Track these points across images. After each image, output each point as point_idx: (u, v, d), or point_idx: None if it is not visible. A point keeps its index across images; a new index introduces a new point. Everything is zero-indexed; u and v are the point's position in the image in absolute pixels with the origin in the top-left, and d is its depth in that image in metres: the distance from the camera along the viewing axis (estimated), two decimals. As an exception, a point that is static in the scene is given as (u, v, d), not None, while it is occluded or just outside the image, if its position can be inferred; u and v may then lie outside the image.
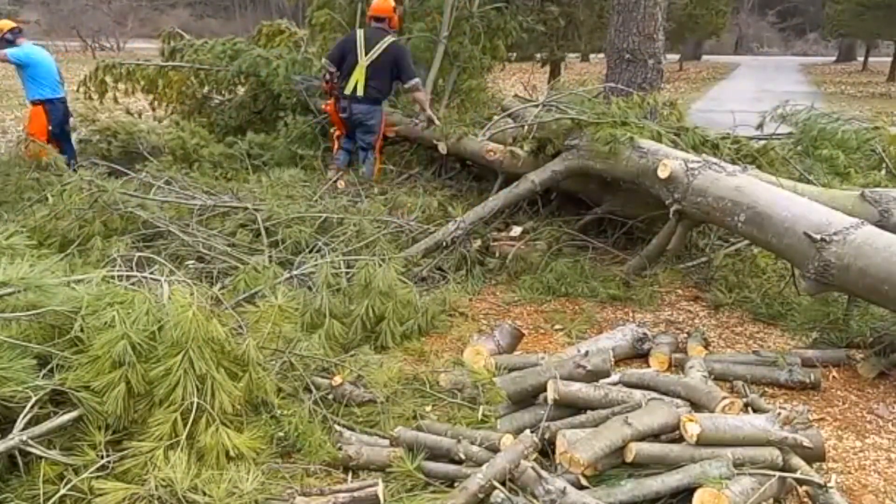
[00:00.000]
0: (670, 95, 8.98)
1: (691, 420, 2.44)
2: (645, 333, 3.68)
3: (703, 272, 4.78)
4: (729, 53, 42.21)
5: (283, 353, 3.03)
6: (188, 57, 8.03)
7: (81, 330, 2.47)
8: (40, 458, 2.27)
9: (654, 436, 2.50)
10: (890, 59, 25.81)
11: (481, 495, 2.28)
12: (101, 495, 2.21)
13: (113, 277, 2.80)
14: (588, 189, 5.19)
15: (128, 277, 2.84)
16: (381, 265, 3.81)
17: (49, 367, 2.42)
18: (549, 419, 2.67)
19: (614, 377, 3.04)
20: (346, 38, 6.35)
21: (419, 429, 2.75)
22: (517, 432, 2.59)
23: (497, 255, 4.90)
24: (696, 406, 2.77)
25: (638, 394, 2.79)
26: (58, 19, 33.43)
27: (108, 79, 7.97)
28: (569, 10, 12.71)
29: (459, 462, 2.55)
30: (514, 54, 11.35)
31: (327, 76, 6.18)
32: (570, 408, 2.75)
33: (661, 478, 2.34)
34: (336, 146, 6.48)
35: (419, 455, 2.55)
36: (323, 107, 6.53)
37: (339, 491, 2.39)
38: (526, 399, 2.92)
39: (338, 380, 2.99)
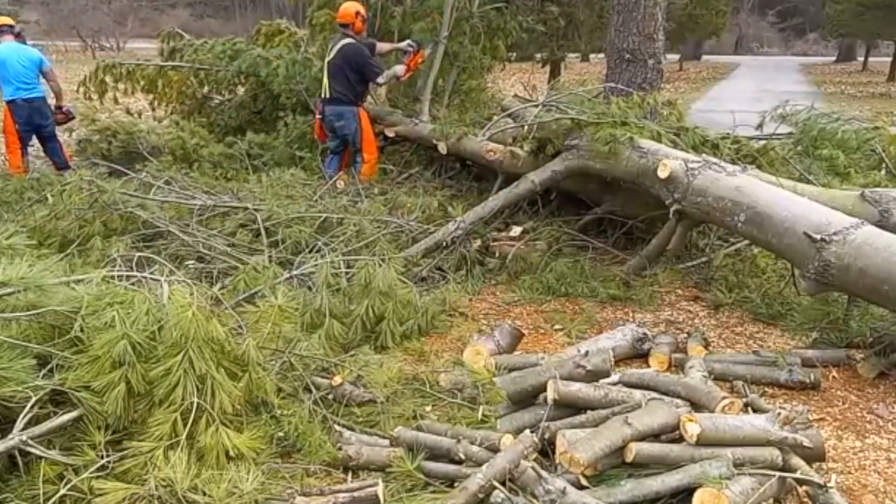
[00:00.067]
0: (670, 95, 8.98)
1: (691, 420, 2.44)
2: (645, 333, 3.68)
3: (703, 272, 4.78)
4: (729, 53, 42.20)
5: (283, 353, 3.03)
6: (188, 57, 8.04)
7: (81, 330, 2.47)
8: (40, 458, 2.27)
9: (654, 436, 2.50)
10: (890, 59, 25.79)
11: (481, 495, 2.28)
12: (101, 495, 2.22)
13: (113, 277, 2.80)
14: (588, 189, 5.19)
15: (128, 277, 2.84)
16: (381, 265, 3.81)
17: (49, 367, 2.43)
18: (549, 419, 2.68)
19: (614, 377, 3.04)
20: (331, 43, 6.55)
21: (419, 429, 2.75)
22: (517, 432, 2.59)
23: (497, 255, 4.90)
24: (696, 406, 2.77)
25: (638, 394, 2.79)
26: (58, 19, 33.41)
27: (108, 79, 7.98)
28: (569, 10, 12.69)
29: (459, 462, 2.55)
30: (514, 54, 11.35)
31: None
32: (570, 408, 2.75)
33: (661, 478, 2.34)
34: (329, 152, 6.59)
35: (419, 455, 2.56)
36: None
37: (339, 491, 2.39)
38: (526, 399, 2.92)
39: (338, 380, 2.99)
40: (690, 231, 4.65)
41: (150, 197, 4.92)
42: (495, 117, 6.22)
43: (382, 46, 6.57)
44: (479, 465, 2.41)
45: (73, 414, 2.36)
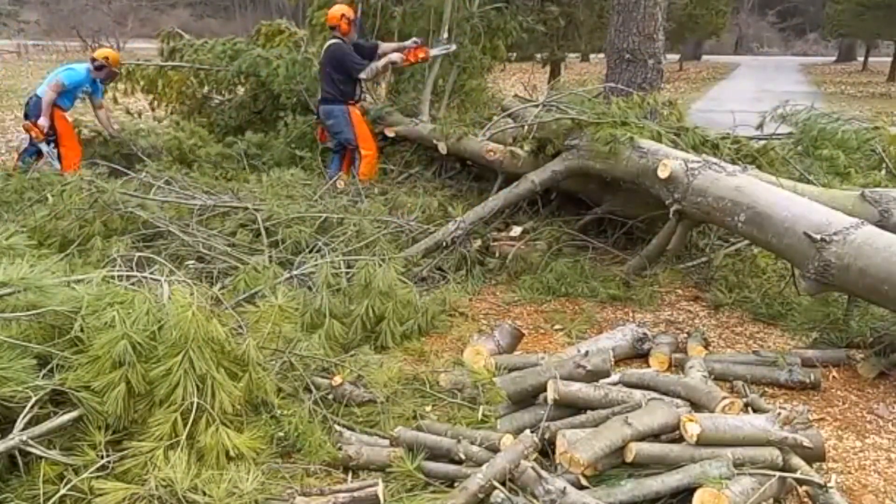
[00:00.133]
0: (670, 95, 8.96)
1: (691, 420, 2.44)
2: (645, 333, 3.68)
3: (703, 272, 4.78)
4: (729, 53, 42.19)
5: (283, 353, 3.03)
6: (188, 57, 8.03)
7: (81, 330, 2.47)
8: (40, 458, 2.27)
9: (654, 436, 2.50)
10: (890, 59, 25.80)
11: (481, 495, 2.28)
12: (101, 495, 2.22)
13: (113, 277, 2.79)
14: (588, 189, 5.19)
15: (128, 277, 2.84)
16: (381, 265, 3.81)
17: (49, 367, 2.42)
18: (549, 419, 2.67)
19: (614, 377, 3.04)
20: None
21: (419, 429, 2.75)
22: (517, 432, 2.59)
23: (497, 255, 4.90)
24: (696, 406, 2.77)
25: (638, 394, 2.79)
26: (58, 19, 33.41)
27: (108, 79, 7.95)
28: (569, 10, 12.70)
29: (459, 462, 2.55)
30: (514, 54, 11.35)
31: None
32: (570, 408, 2.75)
33: (661, 478, 2.34)
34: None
35: (419, 455, 2.55)
36: None
37: (339, 491, 2.39)
38: (526, 399, 2.92)
39: (338, 380, 2.99)
40: (690, 231, 4.65)
41: (150, 197, 4.92)
42: (495, 117, 6.22)
43: (386, 47, 6.59)
44: (479, 465, 2.41)
45: (73, 414, 2.36)
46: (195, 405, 2.41)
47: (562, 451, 2.37)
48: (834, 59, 35.17)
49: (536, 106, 5.73)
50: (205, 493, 2.24)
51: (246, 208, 4.86)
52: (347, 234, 4.63)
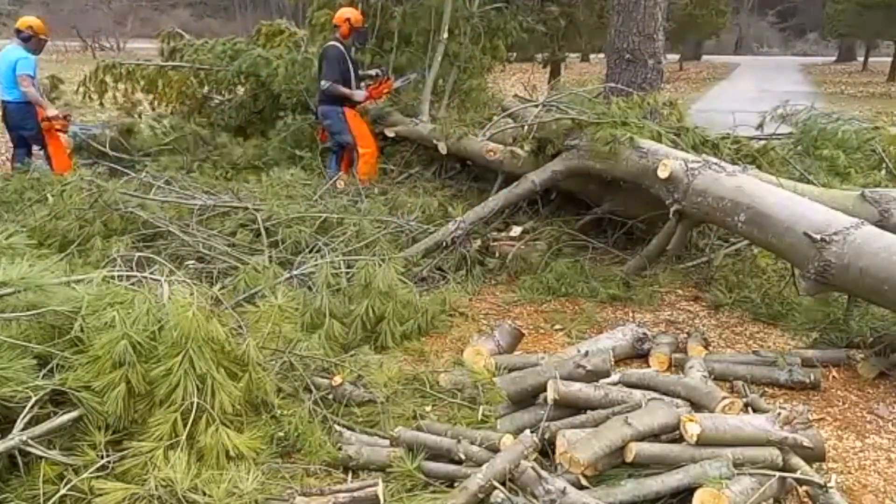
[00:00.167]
0: (670, 95, 8.96)
1: (691, 420, 2.44)
2: (645, 333, 3.68)
3: (703, 272, 4.78)
4: (729, 53, 42.16)
5: (283, 353, 3.03)
6: (188, 57, 8.04)
7: (81, 330, 2.47)
8: (40, 458, 2.27)
9: (654, 436, 2.50)
10: (890, 59, 25.76)
11: (481, 495, 2.28)
12: (101, 495, 2.22)
13: (113, 277, 2.79)
14: (588, 189, 5.18)
15: (128, 277, 2.84)
16: (381, 265, 3.81)
17: (49, 367, 2.43)
18: (549, 419, 2.67)
19: (614, 377, 3.04)
20: None
21: (419, 429, 2.75)
22: (517, 432, 2.59)
23: (497, 255, 4.90)
24: (696, 406, 2.77)
25: (638, 394, 2.79)
26: (58, 19, 33.29)
27: (108, 79, 7.99)
28: (569, 11, 12.70)
29: (459, 462, 2.55)
30: (515, 54, 11.35)
31: None
32: (570, 408, 2.75)
33: (661, 478, 2.34)
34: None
35: (419, 455, 2.56)
36: None
37: (339, 491, 2.39)
38: (526, 399, 2.92)
39: (338, 380, 2.99)
40: (690, 231, 4.64)
41: (151, 197, 4.92)
42: (495, 117, 6.23)
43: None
44: (479, 465, 2.41)
45: (74, 414, 2.36)
46: (195, 405, 2.41)
47: (562, 451, 2.37)
48: (834, 59, 35.13)
49: (536, 106, 5.73)
50: (205, 494, 2.24)
51: (246, 208, 4.86)
52: (347, 234, 4.63)
